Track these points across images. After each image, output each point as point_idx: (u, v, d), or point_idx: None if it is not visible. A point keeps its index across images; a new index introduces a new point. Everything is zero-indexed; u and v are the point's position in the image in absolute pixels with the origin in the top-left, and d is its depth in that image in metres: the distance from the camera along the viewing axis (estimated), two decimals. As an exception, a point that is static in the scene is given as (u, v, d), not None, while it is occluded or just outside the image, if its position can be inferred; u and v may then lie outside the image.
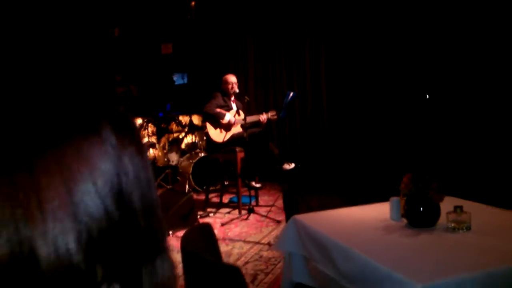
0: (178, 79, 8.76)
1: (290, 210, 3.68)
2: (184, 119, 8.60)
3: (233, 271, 1.49)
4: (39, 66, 0.43)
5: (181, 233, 4.08)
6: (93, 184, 0.40)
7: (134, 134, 0.45)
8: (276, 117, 5.28)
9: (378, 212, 2.16)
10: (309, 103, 6.85)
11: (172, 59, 8.08)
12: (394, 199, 2.08)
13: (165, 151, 6.79)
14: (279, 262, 3.38)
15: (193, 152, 6.37)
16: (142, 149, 0.46)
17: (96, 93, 0.43)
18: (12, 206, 0.37)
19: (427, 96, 5.21)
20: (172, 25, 7.82)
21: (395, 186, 2.00)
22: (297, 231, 2.15)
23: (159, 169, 6.65)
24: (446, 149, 4.97)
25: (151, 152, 7.80)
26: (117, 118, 0.44)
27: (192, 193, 4.84)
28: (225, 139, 5.16)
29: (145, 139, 7.65)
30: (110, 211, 0.40)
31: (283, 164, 5.09)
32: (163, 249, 0.50)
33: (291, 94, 5.16)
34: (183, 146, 6.99)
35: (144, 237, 0.44)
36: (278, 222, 4.51)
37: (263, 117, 5.20)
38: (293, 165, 5.08)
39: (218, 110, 5.11)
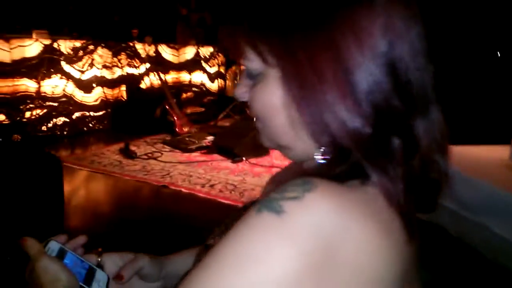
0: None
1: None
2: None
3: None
4: None
5: (253, 160, 4.18)
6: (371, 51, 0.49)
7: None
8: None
9: (496, 152, 2.05)
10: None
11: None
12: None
13: (235, 81, 6.77)
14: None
15: (262, 85, 6.32)
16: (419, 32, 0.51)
17: None
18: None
19: None
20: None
21: None
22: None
23: (228, 99, 6.69)
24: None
25: (220, 81, 7.83)
26: None
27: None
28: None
29: (215, 69, 7.66)
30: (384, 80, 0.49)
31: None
32: (433, 99, 0.53)
33: None
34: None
35: (415, 92, 0.50)
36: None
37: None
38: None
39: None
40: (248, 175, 3.74)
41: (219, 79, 7.77)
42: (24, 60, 4.40)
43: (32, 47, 4.48)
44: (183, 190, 3.33)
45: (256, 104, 0.57)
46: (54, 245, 0.67)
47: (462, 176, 1.67)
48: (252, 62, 0.55)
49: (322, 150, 0.53)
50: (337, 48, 0.48)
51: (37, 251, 0.64)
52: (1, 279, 1.58)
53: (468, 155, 1.97)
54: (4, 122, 4.22)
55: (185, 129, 5.08)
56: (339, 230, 0.42)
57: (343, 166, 0.49)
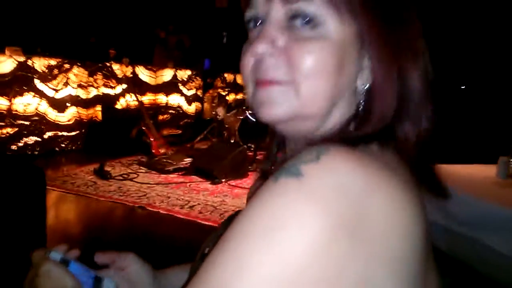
0: (227, 36, 8.63)
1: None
2: (229, 77, 8.53)
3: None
4: None
5: (232, 182, 4.11)
6: None
7: None
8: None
9: (482, 171, 2.08)
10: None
11: (226, 13, 7.94)
12: (503, 158, 2.00)
13: (213, 104, 6.76)
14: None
15: (240, 109, 6.32)
16: None
17: None
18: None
19: None
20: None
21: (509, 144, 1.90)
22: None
23: (205, 122, 6.65)
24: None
25: (197, 104, 7.79)
26: None
27: (244, 146, 4.81)
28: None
29: (193, 91, 7.63)
30: None
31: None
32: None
33: None
34: (230, 102, 6.95)
35: None
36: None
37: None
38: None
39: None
40: (228, 197, 3.67)
41: (196, 102, 7.73)
42: (-4, 76, 4.25)
43: (5, 64, 4.34)
44: (161, 211, 3.22)
45: (306, 59, 0.50)
46: (55, 255, 0.62)
47: (455, 193, 1.66)
48: (311, 5, 0.50)
49: (352, 116, 0.54)
50: (417, 27, 0.54)
51: (40, 258, 0.59)
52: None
53: (458, 173, 1.99)
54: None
55: (162, 151, 4.98)
56: (364, 188, 0.41)
57: (365, 129, 0.51)
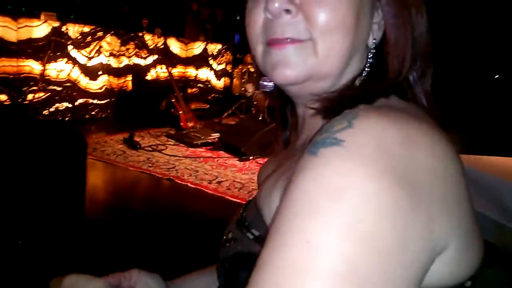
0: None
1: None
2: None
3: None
4: None
5: (260, 159, 4.06)
6: None
7: None
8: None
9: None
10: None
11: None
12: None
13: (243, 80, 6.67)
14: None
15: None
16: None
17: None
18: None
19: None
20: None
21: None
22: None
23: (235, 97, 6.58)
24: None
25: (226, 80, 7.72)
26: None
27: (273, 124, 4.74)
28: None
29: (222, 66, 7.55)
30: None
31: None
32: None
33: None
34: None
35: None
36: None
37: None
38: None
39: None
40: (255, 174, 3.61)
41: (225, 77, 7.66)
42: (31, 40, 4.26)
43: (40, 28, 4.35)
44: (189, 184, 3.20)
45: (324, 13, 0.48)
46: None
47: (506, 185, 1.56)
48: None
49: (365, 72, 0.54)
50: None
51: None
52: (12, 262, 1.45)
53: (504, 165, 1.88)
54: (5, 103, 4.07)
55: (190, 124, 4.96)
56: (405, 141, 0.40)
57: (382, 83, 0.51)
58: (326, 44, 0.49)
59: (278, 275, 0.36)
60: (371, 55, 0.54)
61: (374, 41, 0.53)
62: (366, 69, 0.54)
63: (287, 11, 0.49)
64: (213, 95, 7.35)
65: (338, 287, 0.34)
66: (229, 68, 7.72)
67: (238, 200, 2.94)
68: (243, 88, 6.56)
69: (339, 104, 0.48)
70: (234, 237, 0.57)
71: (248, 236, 0.54)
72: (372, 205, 0.36)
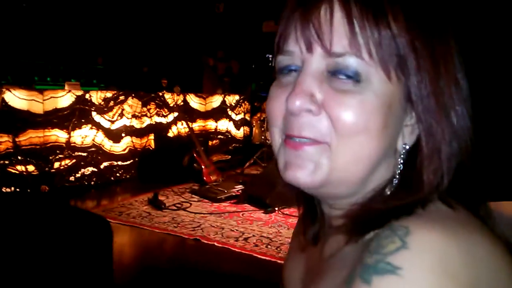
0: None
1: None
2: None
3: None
4: None
5: (286, 210, 4.00)
6: None
7: None
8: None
9: None
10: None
11: (273, 38, 7.97)
12: None
13: (262, 129, 6.73)
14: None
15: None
16: None
17: None
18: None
19: None
20: (275, 2, 7.70)
21: None
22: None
23: (255, 146, 6.61)
24: None
25: (246, 129, 7.79)
26: None
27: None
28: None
29: (241, 116, 7.65)
30: None
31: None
32: None
33: None
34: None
35: None
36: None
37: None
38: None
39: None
40: (282, 227, 3.55)
41: (244, 126, 7.74)
42: (56, 110, 4.43)
43: (64, 98, 4.53)
44: (216, 244, 3.16)
45: (345, 114, 0.45)
46: None
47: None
48: (357, 61, 0.44)
49: (395, 180, 0.49)
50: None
51: None
52: None
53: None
54: (33, 173, 4.19)
55: (213, 178, 4.97)
56: (465, 258, 0.37)
57: (419, 191, 0.46)
58: (347, 149, 0.46)
59: None
60: (402, 161, 0.48)
61: (404, 145, 0.48)
62: (397, 176, 0.49)
63: (309, 110, 0.46)
64: (233, 145, 7.41)
65: None
66: (247, 117, 7.82)
67: (267, 258, 2.87)
68: (263, 137, 6.60)
69: (372, 219, 0.45)
70: None
71: None
72: None
